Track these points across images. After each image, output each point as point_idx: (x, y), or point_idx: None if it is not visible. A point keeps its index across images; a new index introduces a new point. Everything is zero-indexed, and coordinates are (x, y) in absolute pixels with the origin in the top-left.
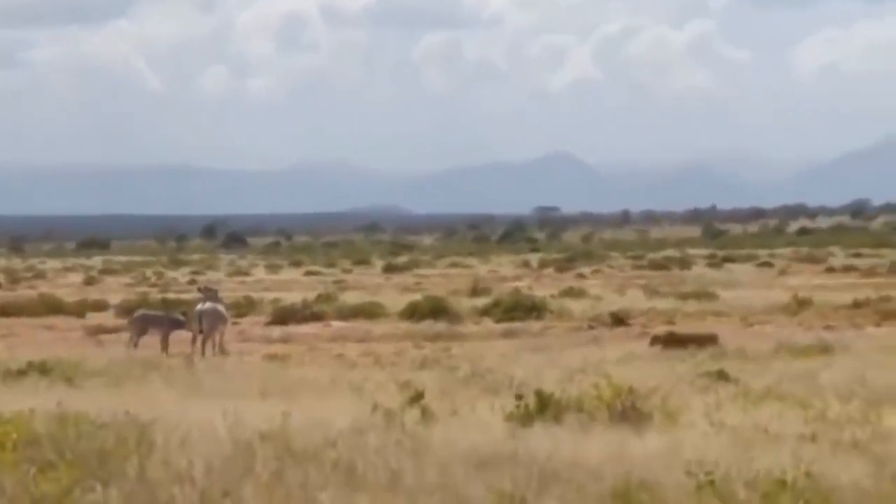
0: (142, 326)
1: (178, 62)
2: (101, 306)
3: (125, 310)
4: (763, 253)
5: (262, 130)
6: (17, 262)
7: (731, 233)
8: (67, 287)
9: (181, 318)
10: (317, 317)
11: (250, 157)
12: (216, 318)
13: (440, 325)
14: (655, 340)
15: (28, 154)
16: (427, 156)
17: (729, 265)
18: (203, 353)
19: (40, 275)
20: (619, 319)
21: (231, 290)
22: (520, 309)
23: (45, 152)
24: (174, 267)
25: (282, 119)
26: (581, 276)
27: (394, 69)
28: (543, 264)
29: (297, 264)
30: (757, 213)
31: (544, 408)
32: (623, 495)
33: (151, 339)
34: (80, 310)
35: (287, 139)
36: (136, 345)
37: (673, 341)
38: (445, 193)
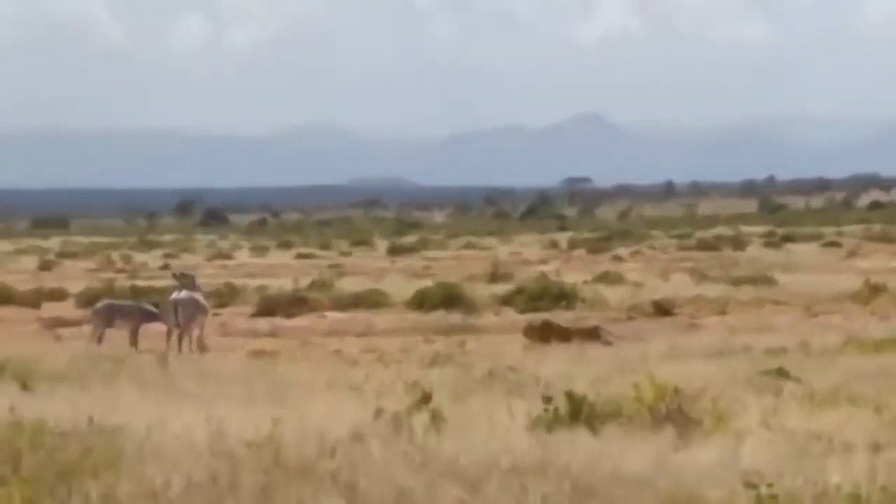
0: (108, 318)
1: (145, 11)
2: (59, 295)
3: (88, 299)
4: (829, 231)
5: (244, 90)
6: None
7: (791, 207)
8: (20, 273)
9: (153, 308)
10: (310, 307)
11: (231, 122)
12: (195, 309)
13: (454, 317)
14: (530, 331)
15: None
16: (436, 119)
17: (789, 245)
18: (179, 349)
19: None
20: (662, 309)
21: (210, 275)
22: (546, 297)
23: None
24: (144, 249)
25: (267, 77)
26: (618, 258)
27: (397, 18)
28: (574, 245)
29: (286, 245)
30: (822, 185)
31: (576, 412)
32: None
33: (119, 333)
34: (34, 300)
35: (273, 100)
36: (100, 339)
37: (552, 333)
38: (458, 162)
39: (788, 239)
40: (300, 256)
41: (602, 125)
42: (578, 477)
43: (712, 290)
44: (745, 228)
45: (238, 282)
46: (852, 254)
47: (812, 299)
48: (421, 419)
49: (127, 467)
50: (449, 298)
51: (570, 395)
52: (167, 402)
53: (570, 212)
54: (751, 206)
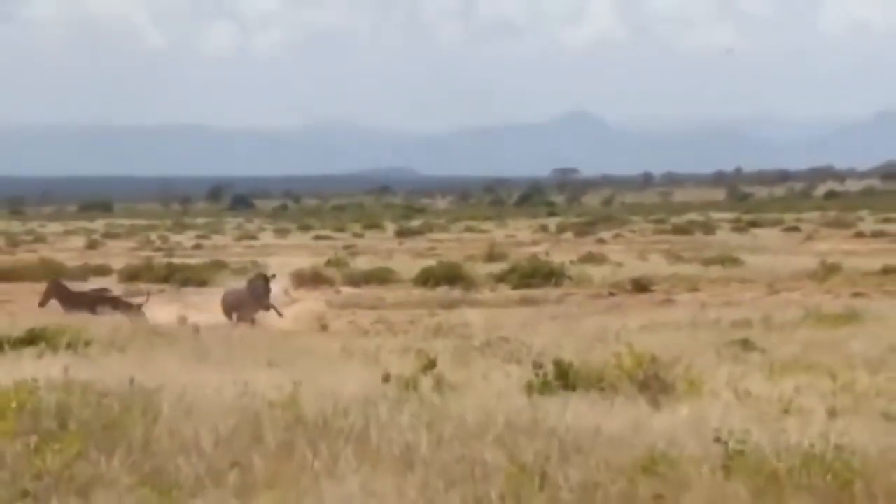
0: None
1: (182, 17)
2: (104, 271)
3: (129, 275)
4: (790, 217)
5: (268, 88)
6: (16, 226)
7: (756, 196)
8: (69, 251)
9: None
10: (327, 282)
11: (257, 118)
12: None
13: (455, 292)
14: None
15: (26, 113)
16: (440, 115)
17: (754, 230)
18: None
19: (41, 238)
20: (640, 286)
21: (238, 254)
22: (537, 275)
23: (43, 111)
24: (179, 230)
25: (289, 76)
26: (601, 241)
27: (405, 24)
28: (562, 229)
29: (305, 228)
30: (783, 176)
31: (564, 377)
32: (647, 467)
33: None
34: (82, 274)
35: (294, 97)
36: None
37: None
38: (459, 154)
39: (753, 224)
40: (318, 238)
41: (589, 121)
42: (565, 435)
43: (685, 270)
44: (715, 215)
45: (262, 260)
46: (810, 238)
47: (774, 278)
48: (426, 383)
49: (163, 422)
50: (451, 276)
51: (557, 363)
52: (199, 366)
53: (559, 199)
54: (720, 194)
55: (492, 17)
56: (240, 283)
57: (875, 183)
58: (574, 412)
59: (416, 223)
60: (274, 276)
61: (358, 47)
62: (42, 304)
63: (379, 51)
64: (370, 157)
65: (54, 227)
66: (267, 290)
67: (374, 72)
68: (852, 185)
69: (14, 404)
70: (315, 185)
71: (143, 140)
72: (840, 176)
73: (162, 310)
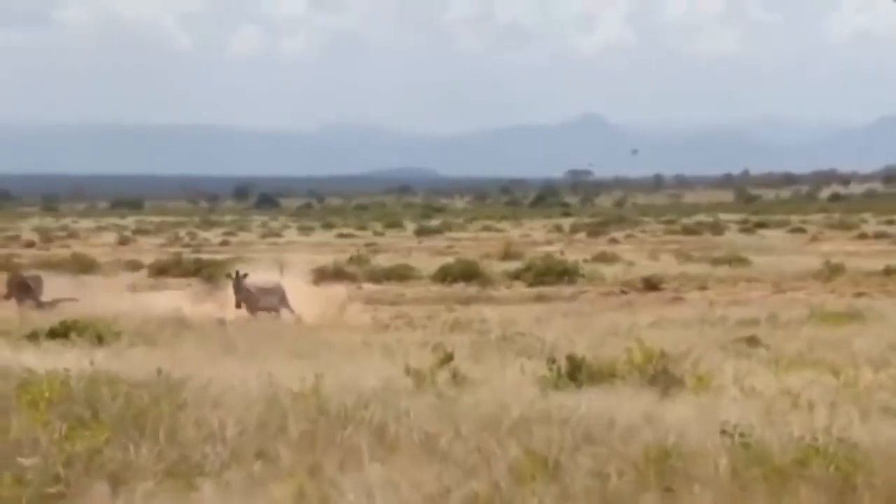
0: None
1: (209, 21)
2: (134, 266)
3: (158, 269)
4: (795, 219)
5: (293, 92)
6: (49, 222)
7: (763, 198)
8: (101, 247)
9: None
10: (349, 278)
11: (282, 119)
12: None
13: (472, 289)
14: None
15: (60, 113)
16: (458, 118)
17: (761, 231)
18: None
19: (74, 234)
20: (651, 284)
21: (262, 251)
22: (552, 273)
23: (76, 111)
24: (206, 227)
25: (309, 80)
26: (614, 240)
27: (425, 30)
28: (576, 229)
29: (328, 226)
30: (789, 179)
31: (576, 371)
32: (657, 458)
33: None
34: (113, 269)
35: (317, 100)
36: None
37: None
38: (477, 156)
39: (760, 225)
40: (340, 236)
41: (602, 124)
42: (577, 426)
43: (694, 269)
44: (723, 216)
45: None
46: (815, 239)
47: (780, 277)
48: (444, 375)
49: (190, 412)
50: (468, 273)
51: (571, 357)
52: (225, 358)
53: (573, 200)
54: (728, 196)
55: (507, 23)
56: (265, 279)
57: (877, 186)
58: (586, 404)
59: (435, 222)
60: (246, 274)
61: (379, 52)
62: (8, 296)
63: (397, 55)
64: (391, 158)
65: (87, 224)
66: (238, 288)
67: (395, 75)
68: (855, 188)
69: (46, 394)
70: (334, 185)
71: (172, 139)
72: (843, 179)
73: (189, 304)
